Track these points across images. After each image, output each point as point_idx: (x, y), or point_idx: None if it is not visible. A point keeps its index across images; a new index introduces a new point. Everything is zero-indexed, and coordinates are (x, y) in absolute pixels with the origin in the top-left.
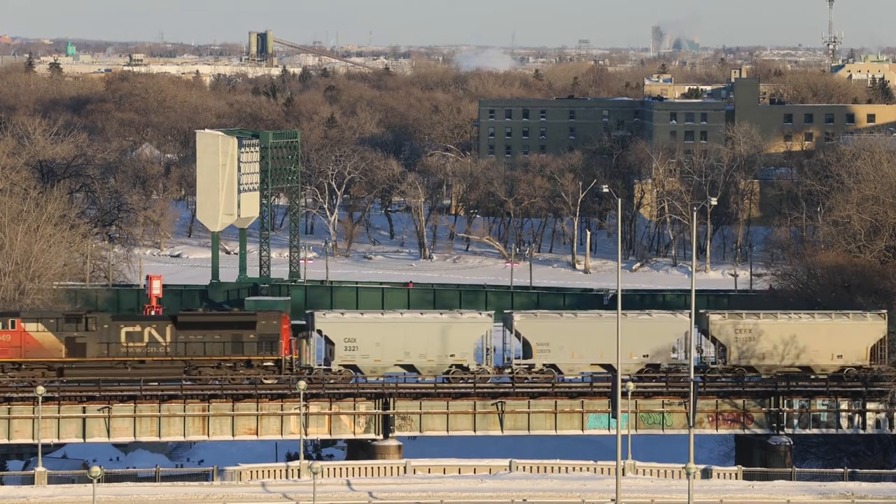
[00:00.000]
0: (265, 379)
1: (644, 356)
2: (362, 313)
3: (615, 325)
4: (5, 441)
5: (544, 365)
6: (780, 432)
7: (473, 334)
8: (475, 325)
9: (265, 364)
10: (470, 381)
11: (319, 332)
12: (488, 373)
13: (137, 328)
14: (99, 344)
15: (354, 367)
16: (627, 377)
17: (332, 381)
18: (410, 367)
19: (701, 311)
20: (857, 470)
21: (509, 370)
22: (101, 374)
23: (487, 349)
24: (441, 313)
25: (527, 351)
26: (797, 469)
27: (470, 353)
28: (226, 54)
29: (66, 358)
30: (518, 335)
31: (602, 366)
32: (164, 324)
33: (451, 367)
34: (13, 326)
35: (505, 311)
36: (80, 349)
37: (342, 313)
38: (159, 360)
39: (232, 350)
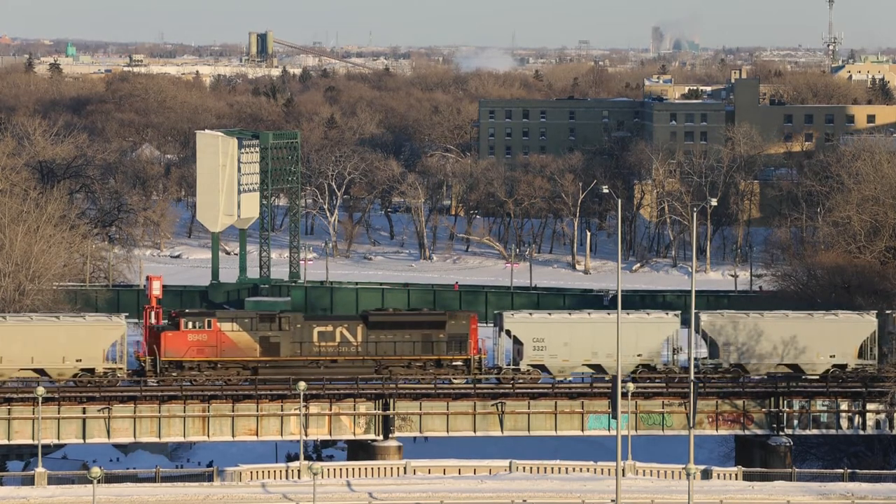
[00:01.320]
0: (454, 378)
1: (637, 355)
2: (550, 313)
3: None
4: (5, 441)
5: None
6: (780, 433)
7: (660, 334)
8: (662, 325)
9: (454, 364)
10: (659, 381)
11: (508, 332)
12: (675, 372)
13: (329, 328)
14: (292, 343)
15: (542, 367)
16: (628, 378)
17: (521, 381)
18: (598, 367)
19: (496, 311)
20: (857, 470)
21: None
22: (294, 373)
23: (674, 349)
24: (628, 313)
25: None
26: (797, 469)
27: (657, 352)
28: (226, 55)
29: (261, 357)
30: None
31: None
32: (356, 323)
33: (637, 367)
34: (209, 326)
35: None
36: (274, 348)
37: (530, 313)
38: (351, 359)
39: (422, 350)
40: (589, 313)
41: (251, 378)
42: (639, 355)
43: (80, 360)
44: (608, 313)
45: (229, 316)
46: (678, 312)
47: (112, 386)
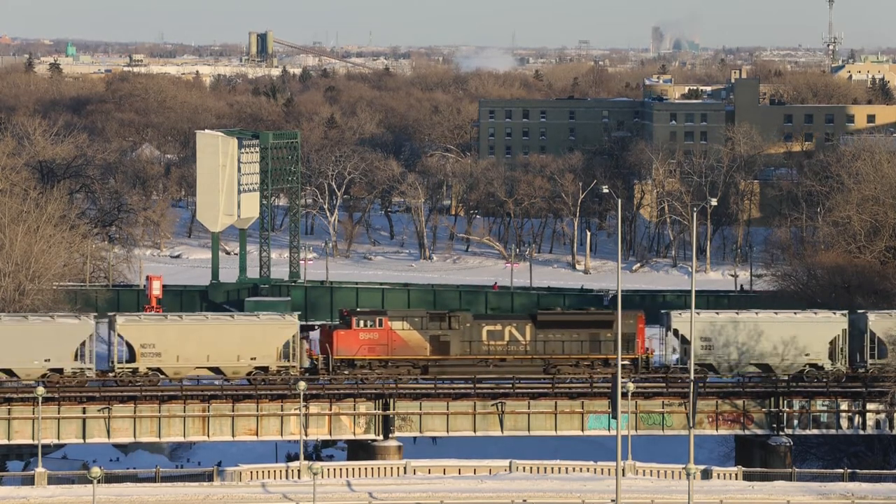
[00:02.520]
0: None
1: (805, 355)
2: (717, 313)
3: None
4: (5, 441)
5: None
6: (781, 433)
7: (828, 333)
8: (830, 324)
9: (622, 363)
10: (823, 380)
11: (676, 331)
12: (843, 372)
13: (498, 327)
14: (462, 342)
15: (710, 367)
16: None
17: (684, 381)
18: (766, 367)
19: (663, 310)
20: (857, 470)
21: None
22: (463, 371)
23: (840, 349)
24: (795, 313)
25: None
26: (797, 469)
27: (824, 352)
28: (226, 55)
29: (431, 356)
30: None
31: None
32: (525, 323)
33: (805, 366)
34: (381, 325)
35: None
36: (444, 347)
37: (698, 313)
38: (519, 358)
39: (590, 349)
40: (756, 313)
41: (420, 377)
42: (806, 355)
43: (255, 359)
44: (775, 313)
45: (400, 315)
46: (845, 312)
47: (285, 384)
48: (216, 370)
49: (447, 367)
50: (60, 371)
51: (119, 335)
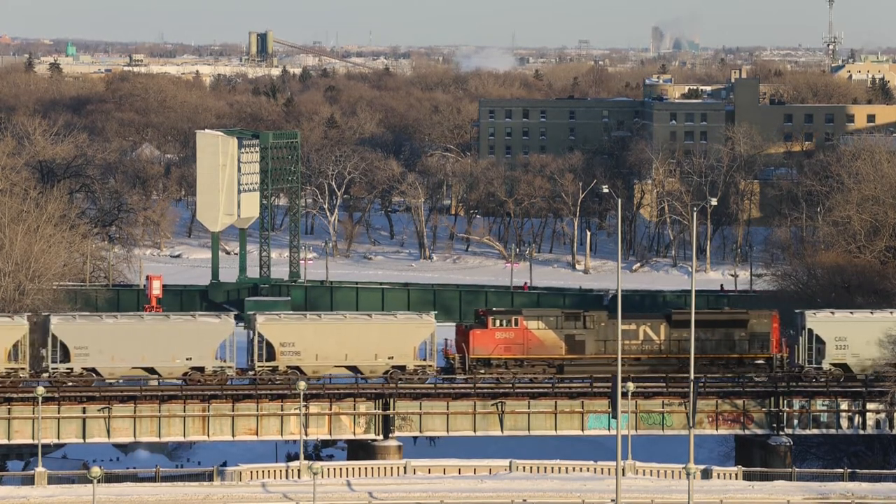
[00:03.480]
0: (756, 377)
1: None
2: (852, 312)
3: None
4: (5, 441)
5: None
6: (780, 432)
7: None
8: None
9: (756, 362)
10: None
11: (810, 330)
12: None
13: (633, 326)
14: (596, 341)
15: (844, 366)
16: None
17: (821, 380)
18: (894, 366)
19: (797, 310)
20: (857, 470)
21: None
22: (598, 371)
23: None
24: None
25: None
26: (797, 469)
27: None
28: (226, 54)
29: (566, 355)
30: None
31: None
32: (659, 322)
33: None
34: (516, 324)
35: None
36: (580, 346)
37: (832, 312)
38: (654, 357)
39: (725, 348)
40: (891, 312)
41: (557, 376)
42: None
43: (392, 358)
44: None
45: (535, 314)
46: None
47: (421, 384)
48: (353, 369)
49: (582, 366)
50: (202, 370)
51: (259, 334)
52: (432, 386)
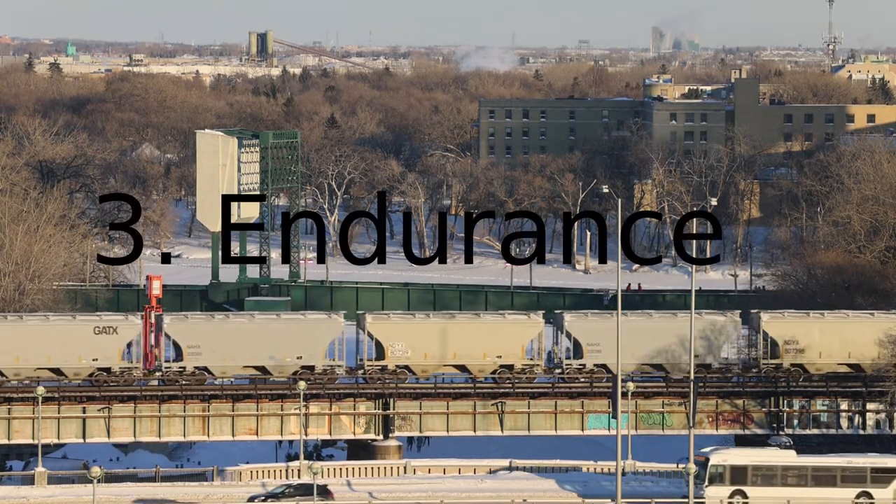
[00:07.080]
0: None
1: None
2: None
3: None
4: (5, 441)
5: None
6: (780, 432)
7: None
8: None
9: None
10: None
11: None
12: None
13: None
14: None
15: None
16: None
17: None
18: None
19: (557, 311)
20: None
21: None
22: None
23: None
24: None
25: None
26: None
27: None
28: (226, 54)
29: None
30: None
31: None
32: None
33: None
34: None
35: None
36: None
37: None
38: None
39: None
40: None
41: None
42: None
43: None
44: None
45: None
46: None
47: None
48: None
49: None
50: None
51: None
52: (432, 386)
